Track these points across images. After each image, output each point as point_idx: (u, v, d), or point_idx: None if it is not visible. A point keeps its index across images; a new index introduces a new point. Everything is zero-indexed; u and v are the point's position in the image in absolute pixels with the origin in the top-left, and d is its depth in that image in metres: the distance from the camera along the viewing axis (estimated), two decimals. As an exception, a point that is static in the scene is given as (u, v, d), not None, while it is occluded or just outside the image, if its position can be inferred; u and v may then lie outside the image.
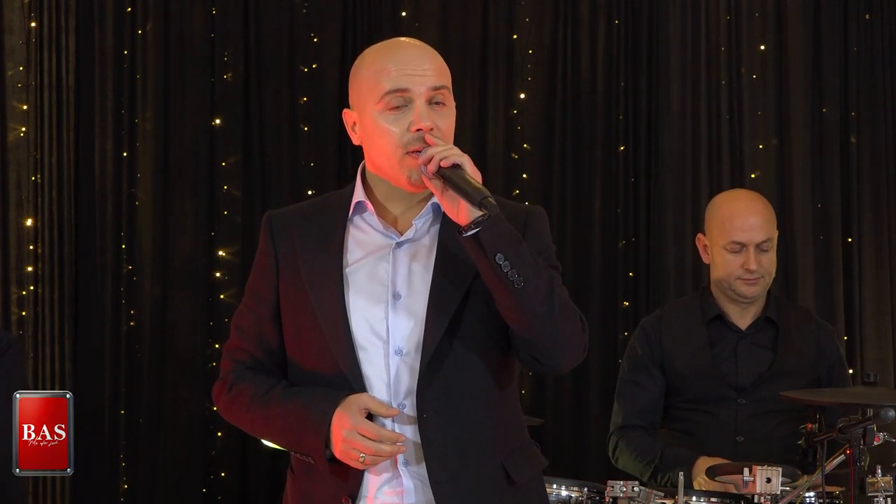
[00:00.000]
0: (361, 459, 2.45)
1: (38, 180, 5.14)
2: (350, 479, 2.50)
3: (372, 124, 2.53)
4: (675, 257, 5.38)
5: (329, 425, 2.46)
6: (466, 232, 2.41)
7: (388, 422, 2.50)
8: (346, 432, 2.44)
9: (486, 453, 2.52)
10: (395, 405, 2.50)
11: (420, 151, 2.47)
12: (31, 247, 5.14)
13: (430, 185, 2.47)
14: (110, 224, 5.23)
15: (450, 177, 2.42)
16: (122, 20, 5.25)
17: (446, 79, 2.56)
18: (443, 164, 2.42)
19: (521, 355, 2.53)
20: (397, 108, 2.50)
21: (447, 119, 2.54)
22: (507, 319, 2.47)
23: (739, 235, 4.12)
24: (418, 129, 2.48)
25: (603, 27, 5.47)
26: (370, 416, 2.48)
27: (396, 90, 2.50)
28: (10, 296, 5.09)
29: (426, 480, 2.50)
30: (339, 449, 2.47)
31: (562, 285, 2.54)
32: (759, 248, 4.12)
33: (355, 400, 2.47)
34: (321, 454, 2.49)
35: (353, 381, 2.50)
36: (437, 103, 2.52)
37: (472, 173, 2.43)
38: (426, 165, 2.44)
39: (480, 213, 2.40)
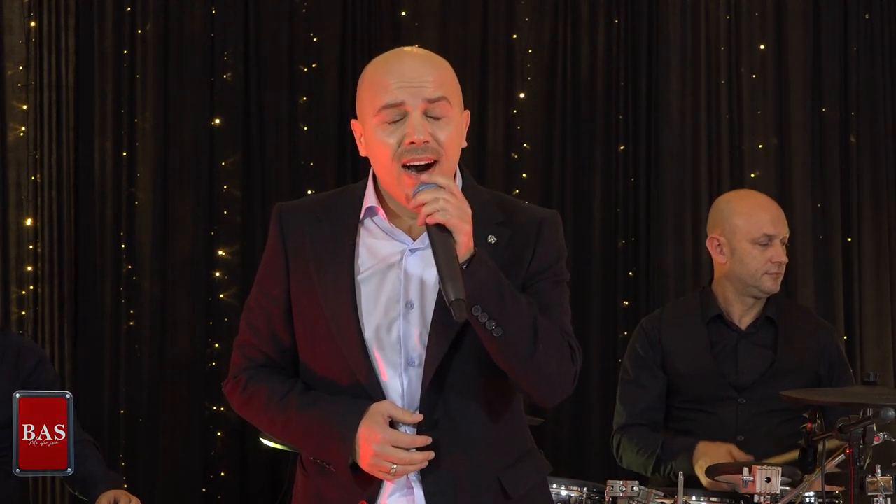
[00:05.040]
0: (393, 471, 2.43)
1: (38, 180, 5.14)
2: (369, 486, 2.49)
3: (371, 137, 2.50)
4: (675, 257, 5.38)
5: (354, 439, 2.44)
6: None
7: None
8: (377, 447, 2.42)
9: (481, 467, 2.50)
10: None
11: (415, 167, 2.44)
12: (31, 246, 5.13)
13: None
14: (110, 224, 5.22)
15: (434, 243, 2.36)
16: (122, 20, 5.25)
17: (448, 90, 2.50)
18: (428, 220, 2.37)
19: (514, 388, 2.53)
20: (394, 121, 2.46)
21: (446, 131, 2.48)
22: (493, 358, 2.45)
23: (770, 228, 4.18)
24: (411, 143, 2.44)
25: (603, 27, 5.48)
26: (392, 424, 2.46)
27: (392, 104, 2.45)
28: (10, 295, 5.09)
29: None
30: (367, 462, 2.44)
31: (566, 306, 2.53)
32: (782, 241, 4.17)
33: (378, 409, 2.45)
34: (344, 466, 2.47)
35: (371, 392, 2.47)
36: (434, 117, 2.47)
37: (459, 226, 2.35)
38: (417, 210, 2.38)
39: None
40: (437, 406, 2.46)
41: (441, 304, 2.44)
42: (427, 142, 2.44)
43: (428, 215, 2.37)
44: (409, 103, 2.45)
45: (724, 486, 3.74)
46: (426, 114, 2.46)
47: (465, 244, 2.38)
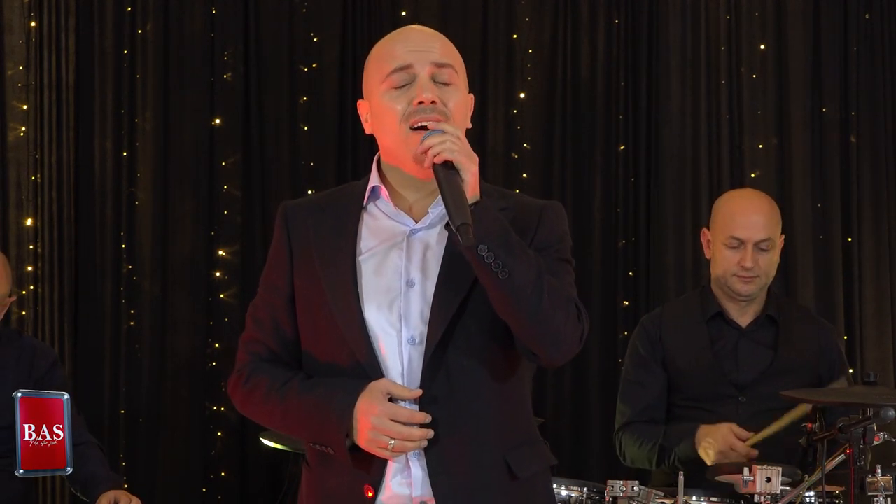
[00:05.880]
0: (391, 446, 2.42)
1: (38, 180, 5.15)
2: (372, 469, 2.48)
3: (378, 105, 2.52)
4: (675, 256, 5.38)
5: (351, 415, 2.43)
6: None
7: None
8: (375, 419, 2.41)
9: (487, 446, 2.49)
10: None
11: (423, 126, 2.45)
12: (31, 246, 5.14)
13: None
14: (110, 224, 5.23)
15: (441, 180, 2.38)
16: (122, 20, 5.26)
17: (454, 60, 2.56)
18: (436, 159, 2.39)
19: (519, 349, 2.51)
20: (402, 85, 2.50)
21: (454, 98, 2.52)
22: (497, 310, 2.44)
23: (739, 232, 4.13)
24: (420, 102, 2.47)
25: (603, 27, 5.48)
26: (392, 402, 2.45)
27: (400, 67, 2.49)
28: (11, 295, 5.09)
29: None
30: (365, 437, 2.43)
31: (570, 282, 2.52)
32: (758, 246, 4.13)
33: (377, 386, 2.44)
34: (342, 445, 2.46)
35: (370, 371, 2.47)
36: (442, 83, 2.51)
37: (467, 164, 2.39)
38: (424, 154, 2.41)
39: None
40: (437, 384, 2.45)
41: (442, 283, 2.47)
42: (435, 102, 2.47)
43: (435, 155, 2.38)
44: (417, 66, 2.49)
45: (729, 474, 3.72)
46: (433, 79, 2.50)
47: (472, 185, 2.39)
